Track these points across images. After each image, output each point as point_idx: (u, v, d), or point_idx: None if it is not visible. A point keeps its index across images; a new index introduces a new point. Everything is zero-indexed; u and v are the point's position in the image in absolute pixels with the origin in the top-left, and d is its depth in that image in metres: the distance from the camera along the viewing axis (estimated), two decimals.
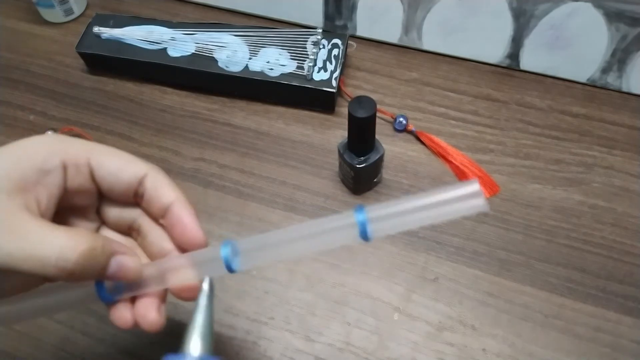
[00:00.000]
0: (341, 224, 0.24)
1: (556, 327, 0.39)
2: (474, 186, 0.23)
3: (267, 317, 0.40)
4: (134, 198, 0.28)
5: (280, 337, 0.39)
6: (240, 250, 0.26)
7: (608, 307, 0.39)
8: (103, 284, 0.27)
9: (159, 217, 0.29)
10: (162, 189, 0.28)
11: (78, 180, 0.27)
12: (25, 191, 0.25)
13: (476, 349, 0.38)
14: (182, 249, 0.28)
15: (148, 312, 0.27)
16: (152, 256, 0.30)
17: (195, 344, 0.22)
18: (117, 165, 0.27)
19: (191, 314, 0.24)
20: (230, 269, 0.26)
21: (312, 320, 0.39)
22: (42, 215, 0.25)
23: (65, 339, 0.39)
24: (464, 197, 0.23)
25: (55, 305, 0.28)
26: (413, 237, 0.43)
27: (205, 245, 0.28)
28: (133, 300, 0.28)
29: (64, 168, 0.26)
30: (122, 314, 0.28)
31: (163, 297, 0.29)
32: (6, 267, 0.23)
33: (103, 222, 0.30)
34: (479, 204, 0.23)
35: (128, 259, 0.26)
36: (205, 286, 0.26)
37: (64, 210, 0.28)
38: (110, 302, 0.28)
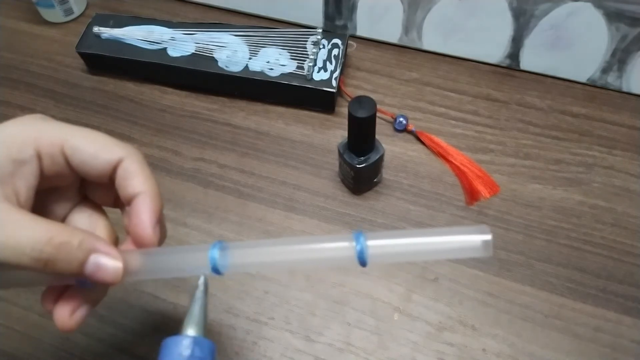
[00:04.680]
0: (341, 247, 0.25)
1: (556, 327, 0.39)
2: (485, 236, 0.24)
3: (267, 317, 0.40)
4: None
5: (280, 337, 0.39)
6: (229, 255, 0.26)
7: (608, 307, 0.39)
8: None
9: (126, 205, 0.28)
10: (131, 179, 0.27)
11: (54, 168, 0.27)
12: (2, 183, 0.24)
13: (476, 349, 0.38)
14: (135, 243, 0.27)
15: (62, 311, 0.27)
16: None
17: (190, 328, 0.25)
18: (91, 151, 0.27)
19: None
20: (216, 272, 0.26)
21: (312, 320, 0.39)
22: (22, 206, 0.25)
23: (65, 339, 0.39)
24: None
25: (24, 278, 0.27)
26: None
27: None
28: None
29: (39, 157, 0.26)
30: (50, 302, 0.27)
31: (94, 301, 0.28)
32: None
33: (86, 198, 0.30)
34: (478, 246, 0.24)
35: (107, 260, 0.25)
36: (201, 281, 0.27)
37: (44, 191, 0.27)
38: (85, 286, 0.27)
